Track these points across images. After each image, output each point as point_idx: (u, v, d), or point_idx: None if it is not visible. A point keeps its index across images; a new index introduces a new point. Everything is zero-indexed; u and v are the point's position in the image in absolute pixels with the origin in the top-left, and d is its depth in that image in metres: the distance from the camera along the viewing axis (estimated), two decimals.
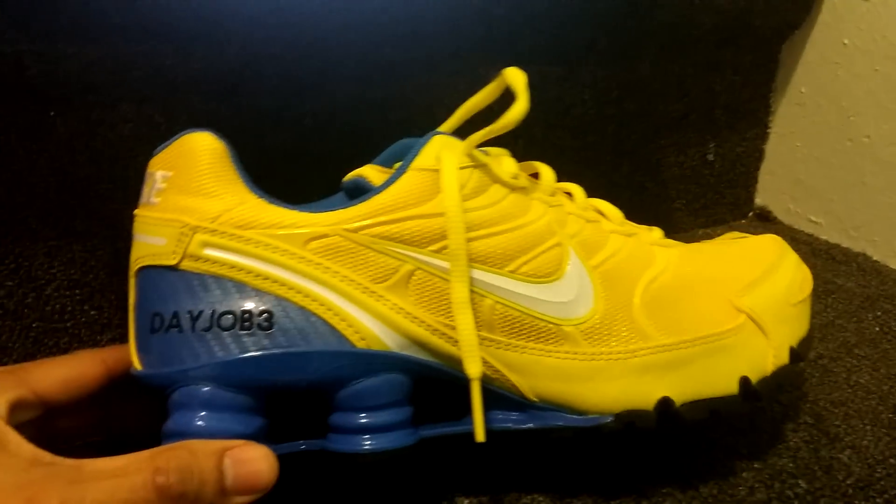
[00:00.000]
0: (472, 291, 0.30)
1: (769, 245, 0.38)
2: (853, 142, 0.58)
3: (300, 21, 0.42)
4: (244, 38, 0.41)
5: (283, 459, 0.28)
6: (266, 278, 0.29)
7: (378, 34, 0.45)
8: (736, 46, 0.60)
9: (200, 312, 0.29)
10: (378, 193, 0.30)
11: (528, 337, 0.31)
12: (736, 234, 0.41)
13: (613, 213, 0.36)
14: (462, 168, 0.31)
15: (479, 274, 0.30)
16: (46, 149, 0.40)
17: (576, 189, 0.36)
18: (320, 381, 0.29)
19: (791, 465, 0.36)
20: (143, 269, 0.30)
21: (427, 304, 0.30)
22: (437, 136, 0.32)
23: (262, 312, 0.29)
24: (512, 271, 0.31)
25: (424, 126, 0.48)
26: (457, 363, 0.30)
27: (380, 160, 0.37)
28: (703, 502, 0.34)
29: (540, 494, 0.34)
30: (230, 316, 0.29)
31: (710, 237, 0.62)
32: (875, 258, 0.58)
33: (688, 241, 0.38)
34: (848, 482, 0.36)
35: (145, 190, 0.31)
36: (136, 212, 0.31)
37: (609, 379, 0.32)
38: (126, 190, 0.41)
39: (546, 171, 0.35)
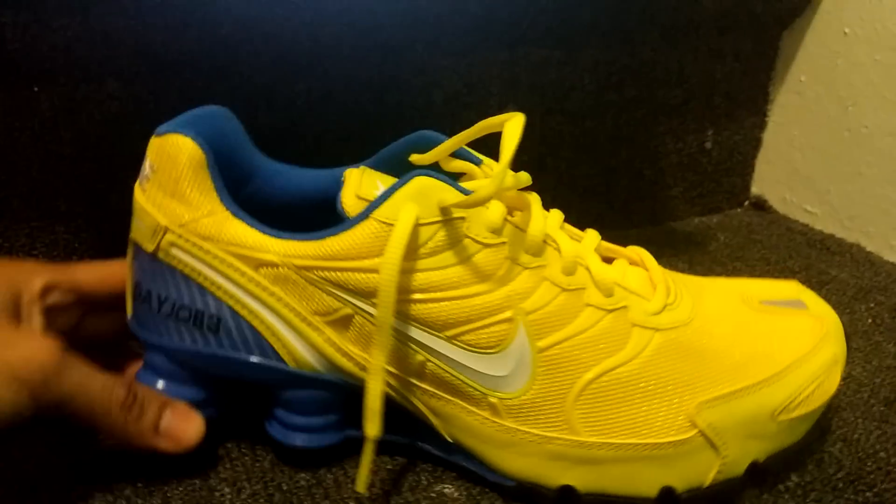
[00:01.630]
0: (405, 346, 0.31)
1: (803, 336, 0.33)
2: (851, 132, 0.57)
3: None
4: (238, 16, 0.40)
5: None
6: (219, 288, 0.31)
7: (375, 14, 0.44)
8: (737, 33, 0.59)
9: (166, 299, 0.32)
10: (333, 236, 0.30)
11: (454, 394, 0.32)
12: (793, 288, 0.36)
13: (603, 276, 0.32)
14: (426, 224, 0.29)
15: (415, 333, 0.31)
16: (29, 126, 0.39)
17: (564, 243, 0.32)
18: (257, 384, 0.33)
19: (781, 458, 0.36)
20: (133, 241, 0.33)
21: (360, 343, 0.31)
22: (416, 181, 0.29)
23: (212, 316, 0.32)
24: (450, 337, 0.30)
25: (420, 108, 0.48)
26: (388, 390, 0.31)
27: (388, 152, 0.35)
28: (694, 494, 0.33)
29: None
30: (187, 311, 0.32)
31: (708, 227, 0.62)
32: (869, 249, 0.57)
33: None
34: (838, 476, 0.36)
35: (144, 166, 0.32)
36: (137, 184, 0.33)
37: (520, 454, 0.31)
38: (112, 170, 0.41)
39: (535, 222, 0.31)
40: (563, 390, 0.30)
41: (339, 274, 0.30)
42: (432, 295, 0.30)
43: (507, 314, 0.30)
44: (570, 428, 0.31)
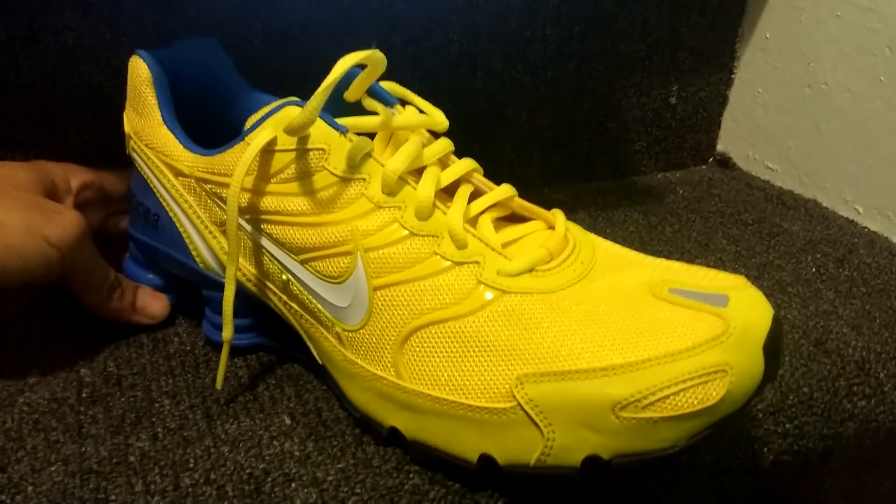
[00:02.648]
0: (272, 263, 0.33)
1: (691, 331, 0.27)
2: (811, 88, 0.58)
3: None
4: None
5: None
6: (156, 190, 0.37)
7: None
8: None
9: (134, 196, 0.39)
10: (219, 154, 0.33)
11: (313, 318, 0.33)
12: (734, 281, 0.30)
13: (458, 229, 0.30)
14: (283, 150, 0.31)
15: (276, 252, 0.33)
16: None
17: (423, 188, 0.31)
18: (187, 279, 0.38)
19: (640, 464, 0.29)
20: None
21: (244, 254, 0.34)
22: (286, 109, 0.31)
23: (154, 213, 0.37)
24: (303, 261, 0.32)
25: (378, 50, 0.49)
26: (272, 302, 0.35)
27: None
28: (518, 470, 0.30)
29: None
30: (142, 206, 0.38)
31: (669, 182, 0.63)
32: (825, 204, 0.58)
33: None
34: (759, 407, 0.37)
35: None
36: None
37: (359, 388, 0.32)
38: (70, 101, 0.42)
39: (395, 162, 0.30)
40: (394, 332, 0.30)
41: (217, 188, 0.34)
42: (287, 218, 0.32)
43: (348, 247, 0.31)
44: (396, 371, 0.30)
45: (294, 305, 0.34)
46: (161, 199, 0.37)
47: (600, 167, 0.62)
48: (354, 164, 0.31)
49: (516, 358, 0.28)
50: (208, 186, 0.34)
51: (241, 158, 0.31)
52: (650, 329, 0.27)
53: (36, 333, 0.38)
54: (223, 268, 0.35)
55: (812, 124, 0.58)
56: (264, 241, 0.33)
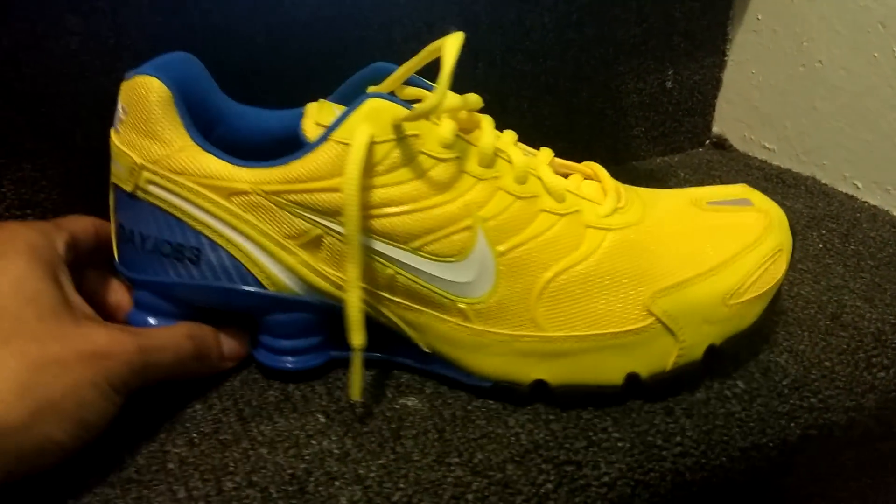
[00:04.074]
0: (374, 260, 0.32)
1: (748, 228, 0.36)
2: (806, 67, 0.59)
3: None
4: None
5: None
6: (196, 220, 0.33)
7: None
8: None
9: (148, 236, 0.33)
10: (297, 160, 0.31)
11: (425, 304, 0.33)
12: (740, 190, 0.39)
13: (555, 185, 0.34)
14: (381, 142, 0.31)
15: (381, 247, 0.32)
16: None
17: (515, 155, 0.33)
18: (240, 311, 0.35)
19: (730, 367, 0.38)
20: (113, 184, 0.34)
21: (333, 262, 0.33)
22: (368, 102, 0.31)
23: (192, 248, 0.33)
24: (415, 248, 0.32)
25: (380, 45, 0.49)
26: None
27: (347, 87, 0.36)
28: (645, 402, 0.35)
29: (489, 398, 0.35)
30: (168, 245, 0.33)
31: (669, 165, 0.64)
32: (824, 181, 0.59)
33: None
34: (784, 382, 0.38)
35: (117, 110, 0.33)
36: (112, 129, 0.34)
37: (491, 354, 0.33)
38: (76, 107, 0.41)
39: (486, 136, 0.33)
40: (526, 290, 0.33)
41: (305, 196, 0.32)
42: (394, 209, 0.32)
43: (466, 222, 0.32)
44: (535, 325, 0.33)
45: (398, 299, 0.33)
46: (203, 229, 0.33)
47: (600, 153, 0.62)
48: (449, 145, 0.32)
49: (642, 281, 0.33)
50: (286, 197, 0.32)
51: (346, 156, 0.30)
52: (724, 232, 0.35)
53: None
54: (300, 283, 0.33)
55: (808, 103, 0.59)
56: (366, 240, 0.32)
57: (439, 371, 0.35)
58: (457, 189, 0.32)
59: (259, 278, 0.33)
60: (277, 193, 0.32)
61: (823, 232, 0.52)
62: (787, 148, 0.62)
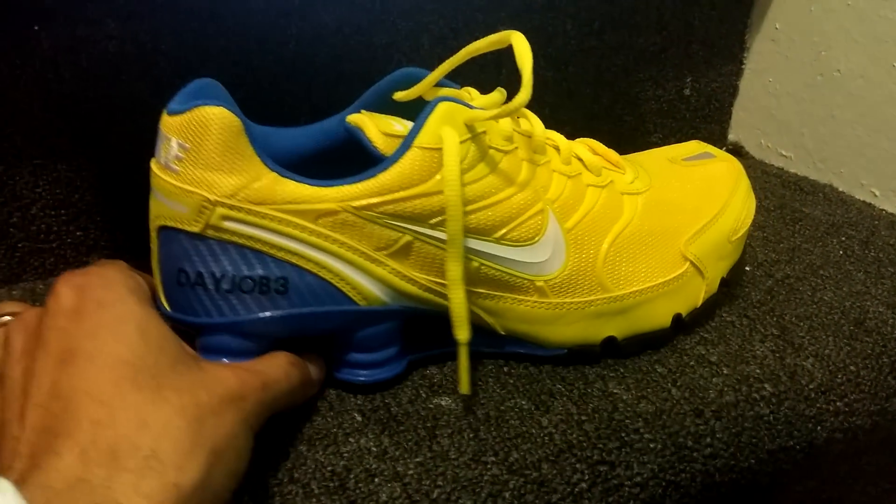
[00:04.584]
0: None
1: (725, 177, 0.42)
2: (824, 76, 0.60)
3: None
4: None
5: None
6: (281, 249, 0.31)
7: None
8: None
9: (223, 275, 0.31)
10: (383, 171, 0.31)
11: (505, 289, 0.35)
12: (697, 146, 0.46)
13: (592, 161, 0.38)
14: (462, 142, 0.32)
15: (469, 242, 0.33)
16: (31, 65, 0.39)
17: (559, 140, 0.37)
18: (329, 333, 0.34)
19: (758, 371, 0.38)
20: (165, 228, 0.31)
21: (421, 266, 0.33)
22: (441, 106, 0.32)
23: (278, 278, 0.32)
24: (498, 238, 0.34)
25: (408, 51, 0.49)
26: (443, 307, 0.34)
27: (375, 92, 0.36)
28: (675, 404, 0.36)
29: (521, 399, 0.36)
30: (250, 280, 0.31)
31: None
32: (841, 189, 0.60)
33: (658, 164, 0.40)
34: (810, 386, 0.38)
35: (161, 148, 0.31)
36: (153, 168, 0.31)
37: (568, 323, 0.37)
38: (112, 109, 0.42)
39: (537, 126, 0.36)
40: (591, 259, 0.36)
41: (395, 205, 0.32)
42: (479, 204, 0.33)
43: (538, 206, 0.35)
44: (603, 288, 0.37)
45: (480, 289, 0.35)
46: (288, 257, 0.31)
47: None
48: (508, 137, 0.34)
49: (675, 232, 0.39)
50: (376, 210, 0.31)
51: (434, 161, 0.31)
52: (710, 182, 0.42)
53: None
54: (390, 293, 0.33)
55: (825, 111, 0.60)
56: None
57: (515, 350, 0.38)
58: (524, 177, 0.34)
59: (350, 295, 0.33)
60: (368, 208, 0.31)
61: (843, 239, 0.52)
62: (804, 156, 0.63)
